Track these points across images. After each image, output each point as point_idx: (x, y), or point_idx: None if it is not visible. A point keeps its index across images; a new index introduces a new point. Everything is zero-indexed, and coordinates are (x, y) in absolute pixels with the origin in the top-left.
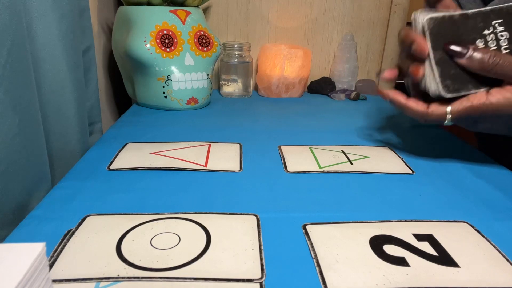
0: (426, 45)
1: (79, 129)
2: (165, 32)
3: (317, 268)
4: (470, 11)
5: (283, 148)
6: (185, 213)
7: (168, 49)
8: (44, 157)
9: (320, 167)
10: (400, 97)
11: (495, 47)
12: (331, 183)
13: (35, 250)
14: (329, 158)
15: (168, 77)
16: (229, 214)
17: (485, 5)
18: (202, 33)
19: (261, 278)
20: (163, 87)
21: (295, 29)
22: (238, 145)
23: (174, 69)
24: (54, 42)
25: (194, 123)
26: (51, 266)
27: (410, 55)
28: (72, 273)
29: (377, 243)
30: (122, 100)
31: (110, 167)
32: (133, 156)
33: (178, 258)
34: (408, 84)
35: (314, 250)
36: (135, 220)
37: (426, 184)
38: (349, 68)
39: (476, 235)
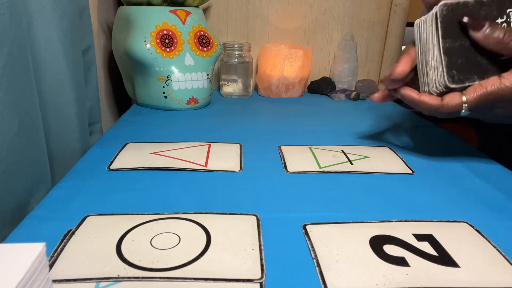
0: (404, 66)
1: (79, 129)
2: (165, 32)
3: (317, 268)
4: None
5: (283, 148)
6: (185, 213)
7: (168, 49)
8: (44, 157)
9: (320, 167)
10: (412, 93)
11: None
12: (331, 183)
13: (35, 250)
14: (329, 158)
15: (168, 77)
16: (229, 214)
17: None
18: (202, 33)
19: (261, 278)
20: (163, 87)
21: (295, 29)
22: (238, 145)
23: (174, 69)
24: (54, 42)
25: (194, 123)
26: (51, 266)
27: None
28: (72, 273)
29: (377, 243)
30: (122, 100)
31: (110, 167)
32: (133, 156)
33: (178, 258)
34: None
35: (314, 250)
36: (135, 220)
37: (426, 184)
38: (349, 68)
39: (476, 235)
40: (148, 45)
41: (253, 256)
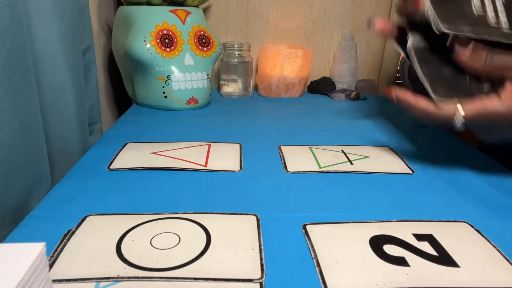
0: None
1: (79, 129)
2: (165, 32)
3: (317, 268)
4: None
5: (283, 148)
6: (185, 213)
7: (168, 49)
8: (44, 157)
9: (320, 167)
10: (408, 96)
11: (492, 10)
12: (331, 183)
13: (35, 250)
14: (329, 158)
15: (168, 77)
16: (229, 214)
17: None
18: (202, 33)
19: (261, 278)
20: (163, 87)
21: (295, 29)
22: (238, 145)
23: (174, 69)
24: (54, 42)
25: (194, 123)
26: (51, 266)
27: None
28: (72, 273)
29: (377, 243)
30: (122, 100)
31: (110, 167)
32: (133, 156)
33: (178, 258)
34: (404, 76)
35: (314, 250)
36: (135, 220)
37: (426, 184)
38: (349, 68)
39: (476, 235)
40: (148, 45)
41: (253, 256)
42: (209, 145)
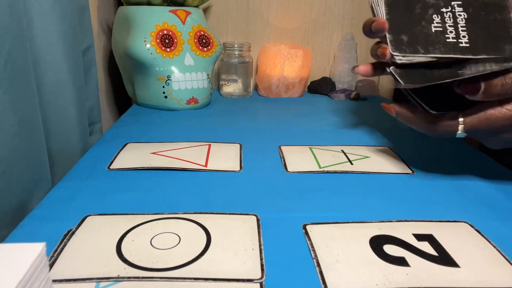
0: (384, 21)
1: (79, 129)
2: (165, 32)
3: (317, 268)
4: None
5: (283, 148)
6: (185, 213)
7: (168, 49)
8: (44, 157)
9: (320, 167)
10: (407, 111)
11: (452, 23)
12: (331, 183)
13: (35, 250)
14: (329, 158)
15: (168, 77)
16: (229, 214)
17: None
18: (202, 33)
19: (261, 278)
20: (163, 87)
21: (295, 29)
22: (238, 145)
23: (174, 69)
24: (54, 42)
25: (194, 123)
26: (51, 266)
27: (377, 44)
28: (72, 273)
29: (377, 243)
30: (122, 100)
31: (110, 167)
32: (133, 156)
33: (178, 258)
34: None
35: (314, 250)
36: (135, 220)
37: (426, 184)
38: (349, 68)
39: (476, 235)
40: (148, 45)
41: (253, 256)
42: (209, 145)
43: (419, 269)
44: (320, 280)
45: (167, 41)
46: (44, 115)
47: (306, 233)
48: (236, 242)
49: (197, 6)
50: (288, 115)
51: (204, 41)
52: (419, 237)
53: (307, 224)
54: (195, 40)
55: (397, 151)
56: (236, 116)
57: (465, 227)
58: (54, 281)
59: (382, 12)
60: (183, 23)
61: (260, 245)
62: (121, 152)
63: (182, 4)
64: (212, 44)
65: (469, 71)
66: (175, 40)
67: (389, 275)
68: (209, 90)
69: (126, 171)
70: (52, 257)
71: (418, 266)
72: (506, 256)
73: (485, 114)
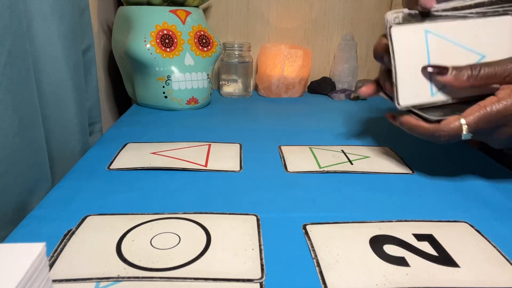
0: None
1: (79, 129)
2: (165, 32)
3: (317, 268)
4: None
5: (283, 148)
6: (185, 213)
7: (168, 49)
8: (44, 157)
9: (320, 167)
10: (409, 119)
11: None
12: (331, 183)
13: (35, 250)
14: (329, 158)
15: (168, 77)
16: (229, 214)
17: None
18: (202, 33)
19: (261, 278)
20: (163, 87)
21: (295, 29)
22: (238, 145)
23: (174, 69)
24: (54, 42)
25: (194, 123)
26: (51, 266)
27: (386, 69)
28: (72, 273)
29: (377, 243)
30: (122, 100)
31: (110, 167)
32: (133, 156)
33: (178, 258)
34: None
35: (314, 250)
36: (135, 220)
37: (426, 184)
38: (349, 68)
39: (476, 235)
40: (148, 45)
41: (253, 256)
42: (209, 145)
43: (419, 269)
44: (320, 280)
45: (167, 41)
46: (44, 115)
47: (306, 233)
48: (236, 242)
49: (197, 6)
50: (288, 115)
51: (204, 41)
52: (419, 237)
53: (307, 224)
54: (195, 40)
55: (397, 151)
56: (236, 116)
57: (465, 227)
58: (54, 281)
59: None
60: (183, 23)
61: (260, 245)
62: (121, 152)
63: (182, 4)
64: (212, 44)
65: None
66: (175, 40)
67: (389, 275)
68: (209, 90)
69: (126, 171)
70: (52, 257)
71: (418, 266)
72: (506, 256)
73: (485, 109)
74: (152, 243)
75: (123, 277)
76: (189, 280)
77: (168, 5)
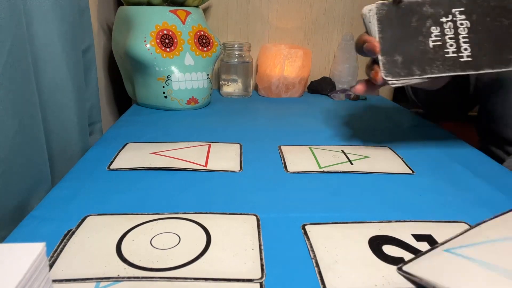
0: (376, 42)
1: (79, 129)
2: (165, 32)
3: (316, 268)
4: None
5: (283, 148)
6: (185, 213)
7: (168, 49)
8: (44, 157)
9: (320, 167)
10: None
11: (452, 35)
12: (331, 183)
13: (35, 250)
14: (329, 158)
15: (168, 77)
16: (229, 214)
17: None
18: (202, 33)
19: (261, 278)
20: (163, 87)
21: (295, 29)
22: (238, 145)
23: (174, 69)
24: (54, 42)
25: (194, 123)
26: (51, 266)
27: (371, 61)
28: (72, 273)
29: (376, 244)
30: (122, 100)
31: (110, 167)
32: (133, 156)
33: (178, 258)
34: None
35: (313, 250)
36: (135, 220)
37: (426, 184)
38: (349, 68)
39: None
40: (148, 45)
41: (253, 256)
42: (209, 145)
43: None
44: (319, 280)
45: (167, 41)
46: (44, 115)
47: (305, 233)
48: (236, 242)
49: (197, 6)
50: (288, 115)
51: (204, 41)
52: (418, 237)
53: (306, 224)
54: (195, 40)
55: (397, 151)
56: (236, 116)
57: (465, 227)
58: (54, 281)
59: (374, 29)
60: (183, 23)
61: (260, 245)
62: (121, 152)
63: (182, 4)
64: (212, 44)
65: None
66: (175, 40)
67: (388, 276)
68: (209, 90)
69: (126, 171)
70: (52, 257)
71: None
72: None
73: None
74: (152, 243)
75: (123, 277)
76: (189, 280)
77: (168, 5)
